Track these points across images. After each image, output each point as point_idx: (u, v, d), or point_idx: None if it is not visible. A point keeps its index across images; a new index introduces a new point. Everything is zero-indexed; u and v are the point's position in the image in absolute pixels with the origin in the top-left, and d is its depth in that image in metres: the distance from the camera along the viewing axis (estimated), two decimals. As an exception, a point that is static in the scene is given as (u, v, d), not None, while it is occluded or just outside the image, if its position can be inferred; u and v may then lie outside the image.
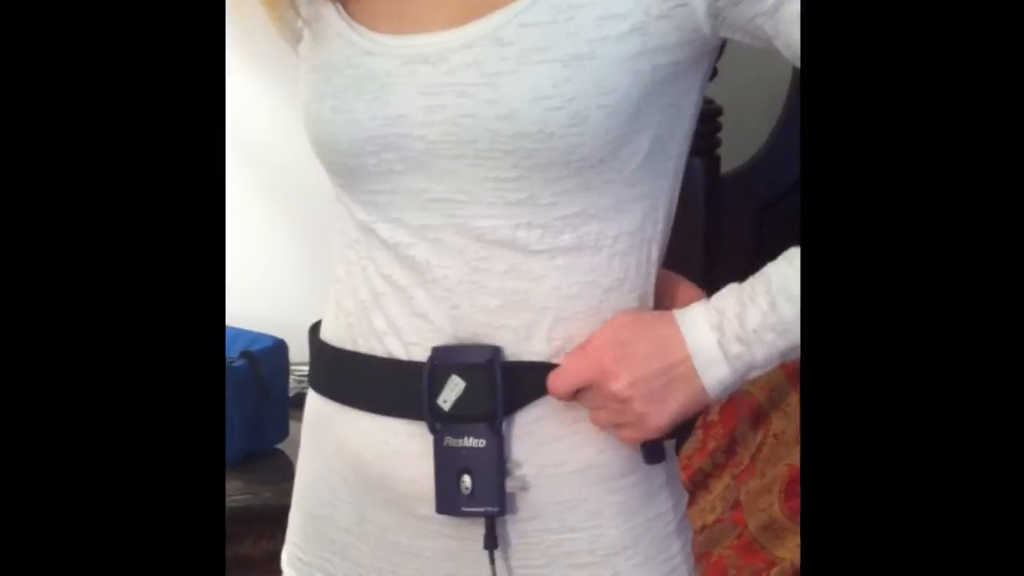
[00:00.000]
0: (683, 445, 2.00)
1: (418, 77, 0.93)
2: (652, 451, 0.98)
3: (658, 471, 1.01)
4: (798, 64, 0.90)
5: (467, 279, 0.95)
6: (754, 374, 0.94)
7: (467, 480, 0.96)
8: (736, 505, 1.99)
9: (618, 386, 0.93)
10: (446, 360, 0.95)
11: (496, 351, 0.95)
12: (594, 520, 0.98)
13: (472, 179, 0.93)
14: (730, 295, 0.94)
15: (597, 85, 0.89)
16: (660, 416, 0.94)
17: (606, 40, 0.89)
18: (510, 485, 0.96)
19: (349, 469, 1.02)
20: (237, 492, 1.88)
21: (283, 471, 1.92)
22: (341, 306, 1.02)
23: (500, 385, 0.94)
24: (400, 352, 0.97)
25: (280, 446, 2.02)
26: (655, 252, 0.99)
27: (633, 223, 0.96)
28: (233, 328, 1.98)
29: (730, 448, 2.06)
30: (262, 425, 1.98)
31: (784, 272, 0.92)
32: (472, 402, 0.95)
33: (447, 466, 0.96)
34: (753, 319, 0.92)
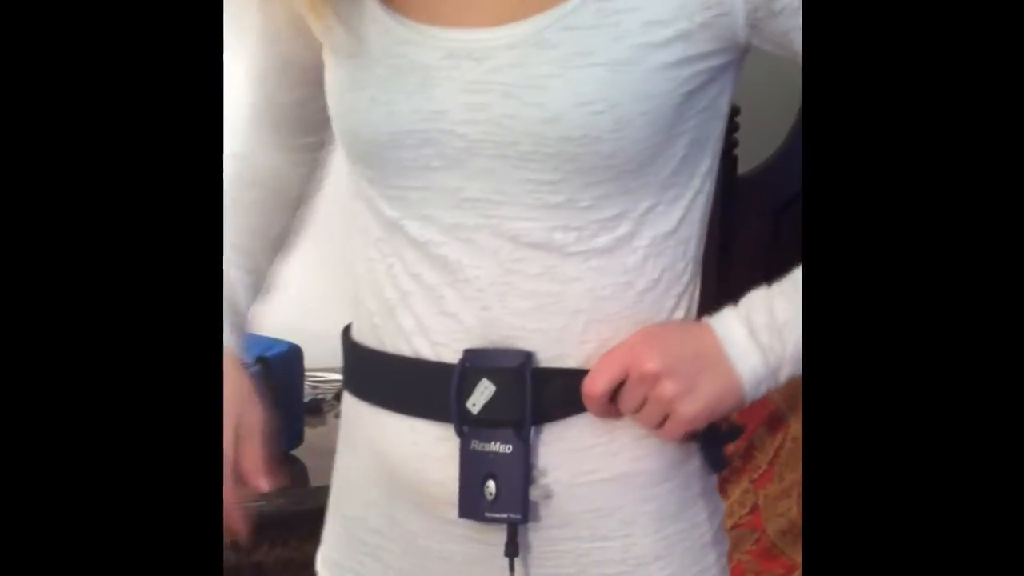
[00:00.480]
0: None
1: (461, 72, 0.92)
2: (715, 458, 0.97)
3: (694, 480, 0.99)
4: None
5: (499, 280, 0.93)
6: (785, 372, 0.93)
7: (492, 485, 0.94)
8: (754, 509, 1.99)
9: (650, 365, 0.91)
10: (477, 363, 0.94)
11: (528, 356, 0.93)
12: (627, 529, 0.97)
13: (511, 180, 0.91)
14: (756, 294, 0.95)
15: (639, 91, 0.89)
16: (692, 402, 0.92)
17: (649, 46, 0.89)
18: (534, 493, 0.95)
19: (379, 470, 1.01)
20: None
21: (297, 478, 1.90)
22: (363, 305, 1.01)
23: (529, 392, 0.93)
24: (428, 352, 0.96)
25: (295, 452, 2.01)
26: (691, 251, 0.98)
27: (669, 224, 0.95)
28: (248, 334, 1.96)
29: (748, 452, 2.06)
30: (276, 431, 1.97)
31: None
32: (501, 407, 0.94)
33: (472, 470, 0.95)
34: (783, 312, 0.92)
